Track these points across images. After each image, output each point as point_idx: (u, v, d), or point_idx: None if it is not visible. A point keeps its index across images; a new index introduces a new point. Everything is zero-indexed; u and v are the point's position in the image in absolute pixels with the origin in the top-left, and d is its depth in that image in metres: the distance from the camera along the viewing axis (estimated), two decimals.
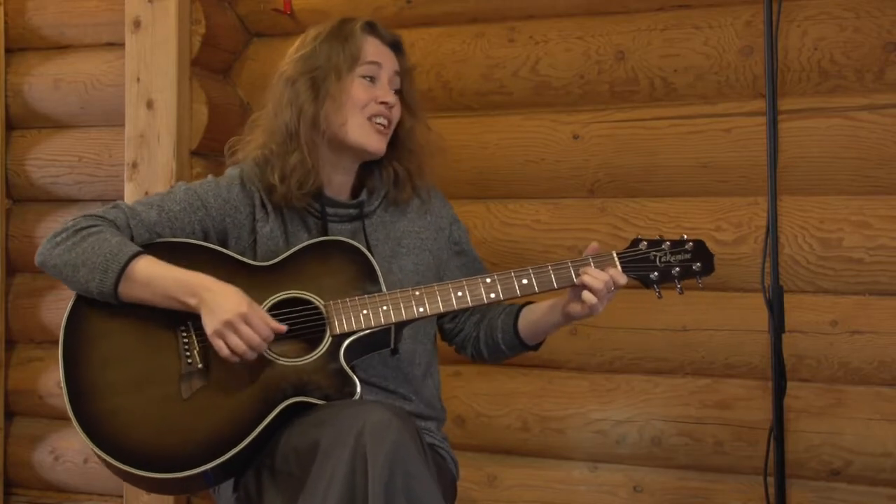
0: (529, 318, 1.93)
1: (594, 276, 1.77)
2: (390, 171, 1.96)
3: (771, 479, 2.27)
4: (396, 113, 1.92)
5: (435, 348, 2.05)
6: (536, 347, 1.98)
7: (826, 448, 2.34)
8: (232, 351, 1.69)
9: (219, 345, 1.69)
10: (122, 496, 2.67)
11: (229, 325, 1.68)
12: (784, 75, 2.35)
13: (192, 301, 1.72)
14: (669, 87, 2.44)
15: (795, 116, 2.35)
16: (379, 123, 1.89)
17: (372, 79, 1.88)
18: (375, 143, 1.89)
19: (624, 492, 2.50)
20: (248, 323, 1.68)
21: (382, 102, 1.88)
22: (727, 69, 2.39)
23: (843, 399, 2.35)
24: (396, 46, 1.95)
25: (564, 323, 1.87)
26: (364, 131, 1.87)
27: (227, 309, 1.68)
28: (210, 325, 1.70)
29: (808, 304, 2.35)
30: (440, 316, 2.02)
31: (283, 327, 1.73)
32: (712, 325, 2.43)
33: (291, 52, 1.93)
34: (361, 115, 1.87)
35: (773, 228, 2.27)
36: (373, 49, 1.89)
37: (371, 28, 1.92)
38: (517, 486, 2.59)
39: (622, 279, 1.79)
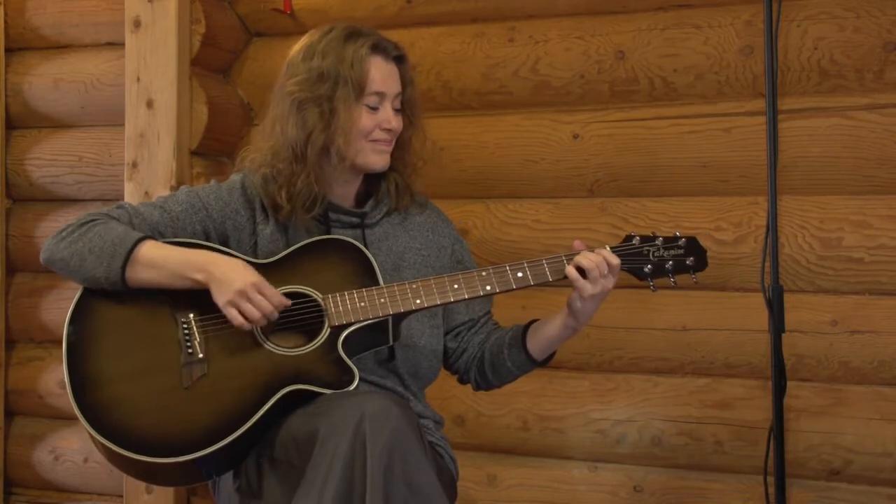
0: (536, 328, 1.92)
1: (586, 257, 1.79)
2: (391, 181, 1.98)
3: (771, 479, 2.27)
4: (398, 130, 1.93)
5: (440, 367, 2.03)
6: (544, 363, 1.96)
7: (826, 448, 2.34)
8: (247, 318, 1.74)
9: (233, 314, 1.74)
10: (121, 496, 2.67)
11: (242, 294, 1.73)
12: (784, 75, 2.35)
13: (200, 277, 1.76)
14: (669, 86, 2.44)
15: (795, 116, 2.35)
16: (381, 142, 1.91)
17: (376, 108, 1.89)
18: (380, 162, 1.92)
19: (624, 492, 2.50)
20: (259, 291, 1.74)
21: (386, 129, 1.90)
22: (727, 69, 2.39)
23: (843, 399, 2.35)
24: (399, 60, 1.94)
25: (572, 322, 1.85)
26: (368, 154, 1.90)
27: (238, 279, 1.74)
28: (222, 296, 1.74)
29: (808, 304, 2.35)
30: (444, 334, 2.02)
31: (289, 301, 1.78)
32: (712, 325, 2.43)
33: (296, 63, 1.89)
34: (366, 141, 1.89)
35: (773, 228, 2.27)
36: (378, 74, 1.88)
37: (376, 48, 1.89)
38: (517, 485, 2.59)
39: (614, 259, 1.79)
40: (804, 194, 2.36)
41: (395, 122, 1.91)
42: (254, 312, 1.73)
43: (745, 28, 2.37)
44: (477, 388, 2.05)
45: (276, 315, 1.76)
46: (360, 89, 1.85)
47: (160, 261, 1.77)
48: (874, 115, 2.30)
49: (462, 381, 2.07)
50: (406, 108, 1.95)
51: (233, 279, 1.74)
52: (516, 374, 1.97)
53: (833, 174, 2.34)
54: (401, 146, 1.96)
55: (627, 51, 2.46)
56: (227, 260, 1.78)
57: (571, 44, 2.51)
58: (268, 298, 1.74)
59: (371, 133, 1.88)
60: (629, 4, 2.47)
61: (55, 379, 2.91)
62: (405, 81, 1.94)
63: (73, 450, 2.90)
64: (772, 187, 2.26)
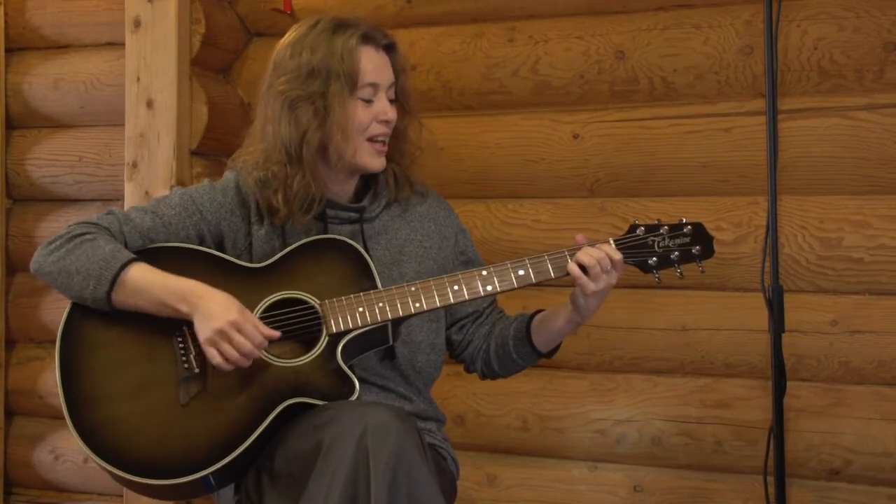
0: (540, 321, 1.91)
1: (587, 254, 1.75)
2: (389, 172, 1.95)
3: (771, 479, 2.27)
4: (394, 121, 1.90)
5: (440, 361, 2.01)
6: (549, 355, 1.95)
7: (826, 448, 2.34)
8: (225, 359, 1.68)
9: (211, 353, 1.69)
10: (121, 496, 2.67)
11: (221, 333, 1.67)
12: (784, 75, 2.35)
13: (183, 308, 1.72)
14: (669, 86, 2.44)
15: (795, 116, 2.35)
16: (379, 142, 1.87)
17: (371, 100, 1.85)
18: (376, 164, 1.88)
19: (624, 491, 2.50)
20: (239, 330, 1.67)
21: (383, 121, 1.86)
22: (727, 69, 2.39)
23: (843, 399, 2.34)
24: (390, 48, 1.90)
25: (576, 317, 1.83)
26: (366, 154, 1.86)
27: (217, 316, 1.67)
28: (202, 332, 1.69)
29: (808, 304, 2.35)
30: (448, 326, 2.01)
31: (276, 334, 1.72)
32: (712, 325, 2.43)
33: (284, 60, 1.85)
34: (362, 138, 1.85)
35: (773, 228, 2.27)
36: (370, 66, 1.84)
37: (366, 38, 1.85)
38: (517, 485, 2.59)
39: (617, 255, 1.76)
40: (804, 194, 2.36)
41: (392, 114, 1.87)
42: (232, 353, 1.68)
43: (745, 28, 2.37)
44: (483, 377, 2.04)
45: (257, 353, 1.69)
46: (353, 83, 1.81)
47: (145, 287, 1.73)
48: (874, 115, 2.30)
49: (468, 370, 2.06)
50: (400, 97, 1.92)
51: (214, 316, 1.68)
52: (522, 366, 1.96)
53: (833, 174, 2.34)
54: (397, 136, 1.92)
55: (627, 51, 2.46)
56: (212, 293, 1.72)
57: (571, 44, 2.51)
58: (248, 337, 1.67)
59: (368, 128, 1.84)
60: (629, 4, 2.47)
61: (55, 379, 2.88)
62: (397, 70, 1.90)
63: (73, 450, 2.90)
64: (772, 187, 2.26)
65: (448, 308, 1.97)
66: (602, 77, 2.49)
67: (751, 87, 2.38)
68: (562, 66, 2.51)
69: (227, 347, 1.68)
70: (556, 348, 1.95)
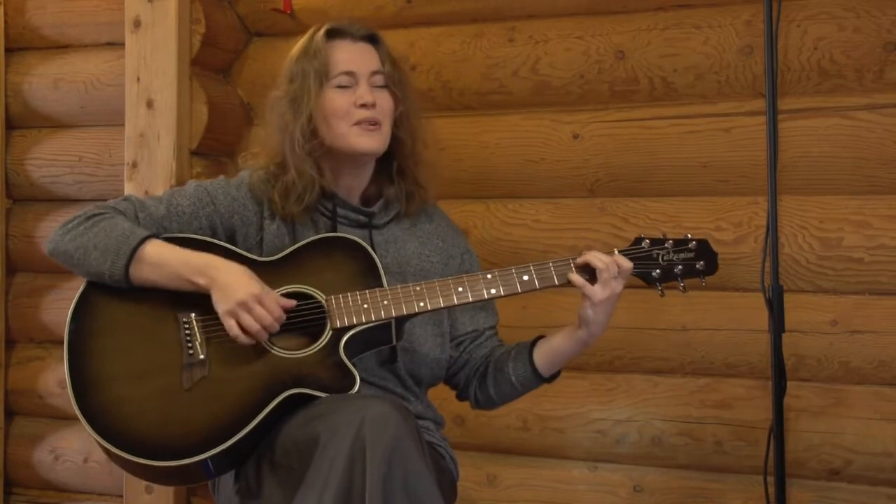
0: (544, 343, 1.90)
1: (598, 257, 1.77)
2: (401, 188, 1.96)
3: (771, 479, 2.27)
4: (385, 105, 1.91)
5: (443, 376, 2.00)
6: (551, 379, 1.93)
7: (826, 448, 2.34)
8: (244, 331, 1.72)
9: (230, 324, 1.72)
10: (121, 496, 2.67)
11: (243, 305, 1.71)
12: (784, 75, 2.35)
13: (201, 281, 1.75)
14: (669, 86, 2.44)
15: (795, 116, 2.35)
16: (365, 123, 1.88)
17: (347, 86, 1.89)
18: (366, 143, 1.89)
19: (624, 491, 2.50)
20: (261, 303, 1.72)
21: (362, 105, 1.87)
22: (727, 69, 2.39)
23: (843, 399, 2.35)
24: (371, 39, 1.94)
25: (583, 334, 1.82)
26: (351, 137, 1.88)
27: (239, 289, 1.72)
28: (222, 304, 1.73)
29: (808, 304, 2.35)
30: (452, 339, 2.00)
31: (293, 302, 1.77)
32: (712, 325, 2.43)
33: (282, 72, 1.96)
34: (345, 124, 1.87)
35: (773, 228, 2.27)
36: (343, 56, 1.89)
37: (335, 33, 1.91)
38: (517, 485, 2.59)
39: (626, 263, 1.77)
40: (804, 194, 2.36)
41: (372, 97, 1.88)
42: (252, 325, 1.71)
43: (745, 28, 2.37)
44: (476, 404, 2.02)
45: (276, 327, 1.74)
46: (322, 75, 1.87)
47: (164, 261, 1.77)
48: (874, 115, 2.30)
49: (461, 396, 2.04)
50: (391, 84, 1.93)
51: (235, 288, 1.72)
52: (519, 391, 1.94)
53: (833, 174, 2.34)
54: (397, 126, 1.94)
55: (627, 51, 2.46)
56: (232, 266, 1.76)
57: (571, 44, 2.51)
58: (269, 310, 1.72)
59: (349, 113, 1.87)
60: (629, 4, 2.47)
61: (55, 379, 2.91)
62: (383, 59, 1.93)
63: (73, 450, 2.90)
64: (772, 187, 2.26)
65: (450, 322, 1.98)
66: (602, 77, 2.49)
67: (751, 87, 2.38)
68: (562, 66, 2.52)
69: (247, 319, 1.71)
70: (556, 375, 1.94)
